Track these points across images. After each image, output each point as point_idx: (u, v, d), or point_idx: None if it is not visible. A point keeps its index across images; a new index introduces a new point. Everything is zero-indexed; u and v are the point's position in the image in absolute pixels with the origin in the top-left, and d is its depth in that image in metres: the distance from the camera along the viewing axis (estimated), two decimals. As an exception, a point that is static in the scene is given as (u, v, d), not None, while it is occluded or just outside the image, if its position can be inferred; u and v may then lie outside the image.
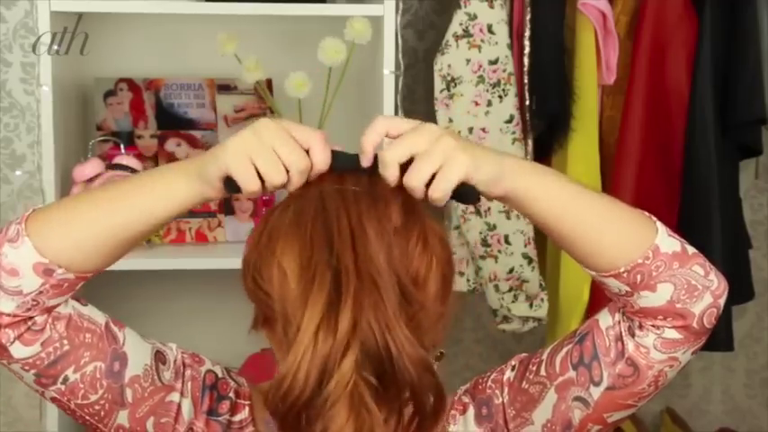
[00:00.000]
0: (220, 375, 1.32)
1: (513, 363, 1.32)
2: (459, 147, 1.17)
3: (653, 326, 1.22)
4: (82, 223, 1.18)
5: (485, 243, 2.40)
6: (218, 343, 2.55)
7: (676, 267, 1.20)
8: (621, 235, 1.21)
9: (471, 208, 2.38)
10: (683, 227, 2.49)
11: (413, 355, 1.12)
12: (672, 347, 1.23)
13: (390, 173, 1.18)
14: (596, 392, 1.24)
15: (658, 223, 1.22)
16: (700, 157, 2.45)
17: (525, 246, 2.41)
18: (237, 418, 1.30)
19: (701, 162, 2.44)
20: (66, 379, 1.21)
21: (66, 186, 2.27)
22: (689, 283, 1.20)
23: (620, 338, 1.23)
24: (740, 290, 2.56)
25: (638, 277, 1.20)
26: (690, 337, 1.23)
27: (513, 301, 2.43)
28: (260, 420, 1.31)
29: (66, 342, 1.20)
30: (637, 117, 2.45)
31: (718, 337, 2.43)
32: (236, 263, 2.31)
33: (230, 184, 1.18)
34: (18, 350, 1.19)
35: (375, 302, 1.12)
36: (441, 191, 1.17)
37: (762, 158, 2.72)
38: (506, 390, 1.30)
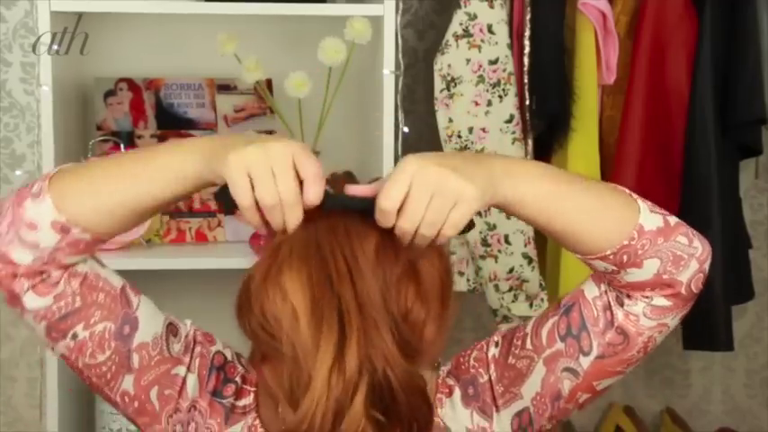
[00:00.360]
0: (229, 358, 1.33)
1: (495, 338, 1.33)
2: (461, 180, 1.16)
3: (642, 295, 1.24)
4: (101, 193, 1.21)
5: (485, 243, 2.40)
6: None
7: (661, 242, 1.22)
8: (608, 222, 1.22)
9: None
10: (683, 227, 2.50)
11: (412, 387, 1.15)
12: (661, 314, 1.25)
13: (389, 220, 1.17)
14: (586, 362, 1.26)
15: (639, 201, 1.24)
16: (700, 157, 2.45)
17: (525, 245, 2.41)
18: (241, 402, 1.31)
19: (701, 162, 2.44)
20: (75, 335, 1.23)
21: (66, 186, 2.27)
22: (674, 254, 1.23)
23: (608, 308, 1.25)
24: (740, 290, 2.57)
25: (625, 257, 1.22)
26: (679, 302, 1.25)
27: (513, 301, 2.43)
28: (264, 408, 1.31)
29: (78, 299, 1.23)
30: (637, 117, 2.45)
31: (718, 337, 2.44)
32: (236, 263, 2.32)
33: (222, 194, 1.18)
34: (31, 300, 1.21)
35: (374, 338, 1.14)
36: (452, 230, 1.17)
37: (762, 158, 2.72)
38: (492, 366, 1.31)
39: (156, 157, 1.22)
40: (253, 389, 1.32)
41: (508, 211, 1.23)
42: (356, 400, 1.12)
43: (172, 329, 1.29)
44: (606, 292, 1.26)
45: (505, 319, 2.46)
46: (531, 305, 2.44)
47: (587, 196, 1.23)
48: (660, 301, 1.24)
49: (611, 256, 1.22)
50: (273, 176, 1.15)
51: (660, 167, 2.48)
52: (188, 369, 1.29)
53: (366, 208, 1.19)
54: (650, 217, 1.23)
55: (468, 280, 2.46)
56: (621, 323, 1.24)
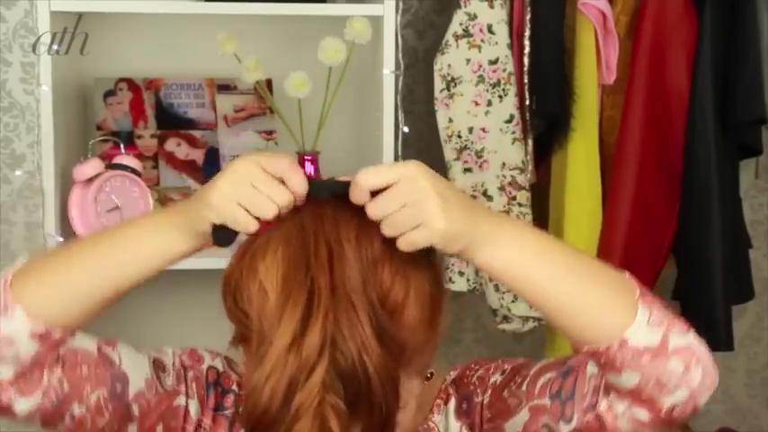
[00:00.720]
0: (221, 369, 1.33)
1: (505, 367, 1.31)
2: (438, 209, 1.12)
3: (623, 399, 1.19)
4: (71, 286, 1.17)
5: (485, 243, 2.40)
6: (218, 342, 2.55)
7: (645, 361, 1.14)
8: (590, 318, 1.15)
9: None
10: (683, 227, 2.49)
11: (387, 376, 1.12)
12: (639, 426, 1.19)
13: (359, 197, 1.15)
14: (564, 429, 1.23)
15: (642, 309, 1.15)
16: (700, 157, 2.45)
17: (525, 246, 2.40)
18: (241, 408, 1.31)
19: (701, 162, 2.44)
20: (72, 415, 1.21)
21: (66, 186, 2.27)
22: (658, 378, 1.15)
23: (597, 391, 1.20)
24: (740, 290, 2.57)
25: (603, 359, 1.15)
26: (657, 422, 1.18)
27: (513, 301, 2.43)
28: None
29: (65, 383, 1.20)
30: (637, 117, 2.45)
31: (719, 337, 2.44)
32: (236, 263, 2.31)
33: (219, 236, 1.17)
34: (21, 404, 1.19)
35: (351, 321, 1.11)
36: (406, 246, 1.14)
37: (762, 158, 2.72)
38: (489, 392, 1.30)
39: (122, 245, 1.19)
40: None
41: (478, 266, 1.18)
42: (311, 381, 1.09)
43: (159, 365, 1.28)
44: (602, 375, 1.21)
45: (505, 319, 2.45)
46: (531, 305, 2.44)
47: (580, 282, 1.16)
48: (640, 413, 1.18)
49: (589, 354, 1.17)
50: (259, 192, 1.14)
51: (660, 167, 2.48)
52: (187, 396, 1.29)
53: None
54: (643, 332, 1.14)
55: (468, 280, 2.46)
56: (601, 412, 1.19)
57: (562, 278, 1.16)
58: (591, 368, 1.22)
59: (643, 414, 1.18)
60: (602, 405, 1.20)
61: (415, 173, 1.14)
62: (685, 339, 1.17)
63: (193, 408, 1.28)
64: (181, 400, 1.28)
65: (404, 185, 1.13)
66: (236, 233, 1.16)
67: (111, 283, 1.18)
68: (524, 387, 1.26)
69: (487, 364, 1.33)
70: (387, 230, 1.14)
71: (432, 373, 1.29)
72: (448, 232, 1.13)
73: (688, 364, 1.16)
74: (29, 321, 1.15)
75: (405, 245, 1.14)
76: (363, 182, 1.14)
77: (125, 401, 1.24)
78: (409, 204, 1.13)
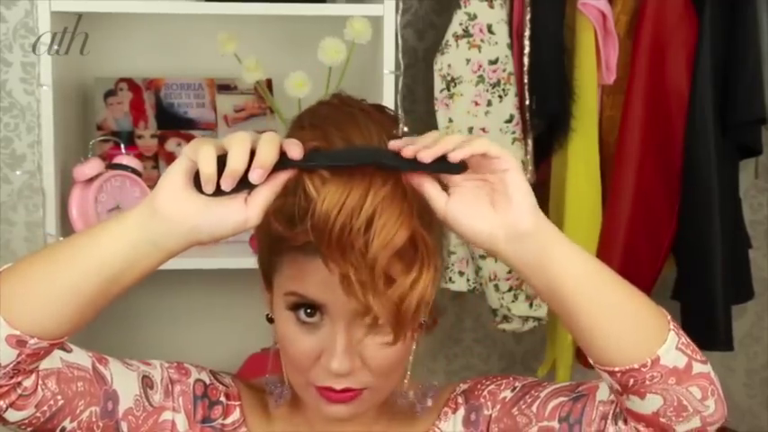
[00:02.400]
0: (208, 382, 1.33)
1: (516, 384, 1.32)
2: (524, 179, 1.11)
3: (636, 428, 1.19)
4: (47, 290, 1.12)
5: (485, 243, 2.40)
6: (218, 343, 2.55)
7: (672, 383, 1.15)
8: (628, 335, 1.15)
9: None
10: (683, 227, 2.50)
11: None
12: None
13: (413, 150, 1.10)
14: None
15: (672, 332, 1.16)
16: (700, 157, 2.45)
17: (525, 246, 2.40)
18: (230, 420, 1.32)
19: (701, 162, 2.45)
20: (63, 429, 1.21)
21: (66, 186, 2.27)
22: (680, 402, 1.16)
23: (605, 418, 1.21)
24: (740, 290, 2.57)
25: (631, 381, 1.15)
26: None
27: (513, 301, 2.43)
28: (250, 417, 1.32)
29: (59, 397, 1.19)
30: (637, 117, 2.45)
31: (718, 337, 2.44)
32: (236, 263, 2.32)
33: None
34: (12, 415, 1.17)
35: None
36: (461, 153, 1.09)
37: (762, 158, 2.72)
38: (498, 407, 1.30)
39: (93, 242, 1.12)
40: (237, 402, 1.33)
41: (530, 270, 1.14)
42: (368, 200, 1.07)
43: (147, 383, 1.28)
44: (612, 402, 1.22)
45: (505, 318, 2.46)
46: (530, 305, 2.44)
47: (616, 292, 1.15)
48: None
49: (619, 374, 1.15)
50: (209, 143, 1.09)
51: (660, 167, 2.48)
52: (174, 411, 1.29)
53: (359, 162, 1.11)
54: (673, 353, 1.15)
55: (468, 280, 2.47)
56: None
57: (609, 291, 1.15)
58: (601, 394, 1.23)
59: None
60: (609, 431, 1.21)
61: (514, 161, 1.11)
62: (706, 368, 1.17)
63: (180, 423, 1.29)
64: (167, 415, 1.29)
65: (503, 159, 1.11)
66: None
67: (86, 287, 1.11)
68: (535, 407, 1.27)
69: (499, 380, 1.33)
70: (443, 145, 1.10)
71: (435, 321, 1.28)
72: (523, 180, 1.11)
73: (705, 393, 1.16)
74: (5, 325, 1.11)
75: (468, 149, 1.09)
76: (480, 145, 1.10)
77: (115, 419, 1.24)
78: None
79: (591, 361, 1.18)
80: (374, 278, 1.08)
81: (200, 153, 1.09)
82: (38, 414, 1.18)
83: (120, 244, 1.11)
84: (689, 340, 1.17)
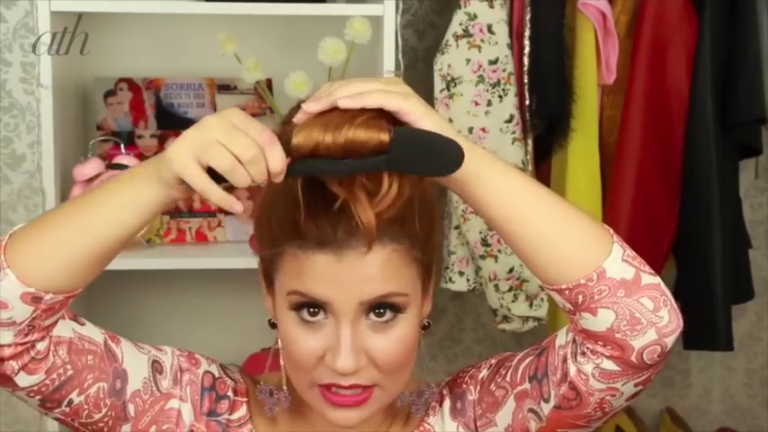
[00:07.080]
0: (217, 375, 1.33)
1: (492, 361, 1.32)
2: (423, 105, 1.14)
3: (592, 353, 1.18)
4: (58, 245, 1.15)
5: (485, 243, 2.40)
6: (218, 342, 2.55)
7: (621, 295, 1.15)
8: (570, 250, 1.16)
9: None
10: (683, 227, 2.50)
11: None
12: (610, 378, 1.18)
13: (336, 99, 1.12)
14: (546, 408, 1.23)
15: (616, 245, 1.17)
16: (700, 156, 2.45)
17: (525, 246, 2.40)
18: (236, 416, 1.31)
19: (702, 162, 2.45)
20: (70, 402, 1.22)
21: (66, 186, 2.27)
22: (632, 314, 1.15)
23: (565, 360, 1.21)
24: (740, 290, 2.57)
25: (580, 297, 1.16)
26: (628, 370, 1.18)
27: (513, 301, 2.43)
28: (256, 414, 1.32)
29: (69, 367, 1.20)
30: (637, 117, 2.45)
31: (718, 337, 2.44)
32: (236, 263, 2.31)
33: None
34: (23, 379, 1.18)
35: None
36: (362, 100, 1.12)
37: (762, 158, 2.72)
38: (478, 387, 1.30)
39: (101, 199, 1.16)
40: (244, 399, 1.32)
41: (465, 193, 1.17)
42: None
43: (157, 367, 1.28)
44: (570, 343, 1.21)
45: (505, 319, 2.46)
46: (530, 305, 2.44)
47: (559, 210, 1.17)
48: (608, 364, 1.18)
49: (567, 292, 1.16)
50: (222, 145, 1.09)
51: (660, 167, 2.48)
52: (180, 399, 1.29)
53: (341, 172, 1.11)
54: (619, 265, 1.15)
55: (468, 280, 2.47)
56: (573, 379, 1.20)
57: (547, 209, 1.17)
58: (559, 340, 1.23)
59: (612, 365, 1.18)
60: (572, 371, 1.20)
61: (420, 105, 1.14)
62: (655, 279, 1.18)
63: (186, 412, 1.29)
64: (174, 403, 1.28)
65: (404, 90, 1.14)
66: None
67: (93, 240, 1.15)
68: (508, 377, 1.27)
69: (478, 363, 1.33)
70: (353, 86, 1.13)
71: (429, 323, 1.28)
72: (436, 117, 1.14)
73: (657, 303, 1.16)
74: (19, 284, 1.14)
75: (371, 97, 1.12)
76: (374, 99, 1.12)
77: (123, 399, 1.24)
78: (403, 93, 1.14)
79: (540, 282, 1.19)
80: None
81: (212, 160, 1.10)
82: (47, 381, 1.19)
83: (136, 203, 1.14)
84: (635, 253, 1.18)
